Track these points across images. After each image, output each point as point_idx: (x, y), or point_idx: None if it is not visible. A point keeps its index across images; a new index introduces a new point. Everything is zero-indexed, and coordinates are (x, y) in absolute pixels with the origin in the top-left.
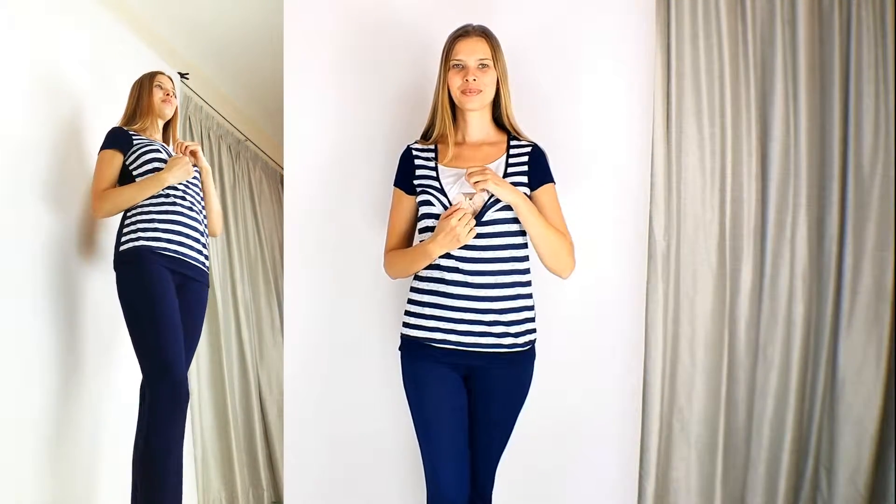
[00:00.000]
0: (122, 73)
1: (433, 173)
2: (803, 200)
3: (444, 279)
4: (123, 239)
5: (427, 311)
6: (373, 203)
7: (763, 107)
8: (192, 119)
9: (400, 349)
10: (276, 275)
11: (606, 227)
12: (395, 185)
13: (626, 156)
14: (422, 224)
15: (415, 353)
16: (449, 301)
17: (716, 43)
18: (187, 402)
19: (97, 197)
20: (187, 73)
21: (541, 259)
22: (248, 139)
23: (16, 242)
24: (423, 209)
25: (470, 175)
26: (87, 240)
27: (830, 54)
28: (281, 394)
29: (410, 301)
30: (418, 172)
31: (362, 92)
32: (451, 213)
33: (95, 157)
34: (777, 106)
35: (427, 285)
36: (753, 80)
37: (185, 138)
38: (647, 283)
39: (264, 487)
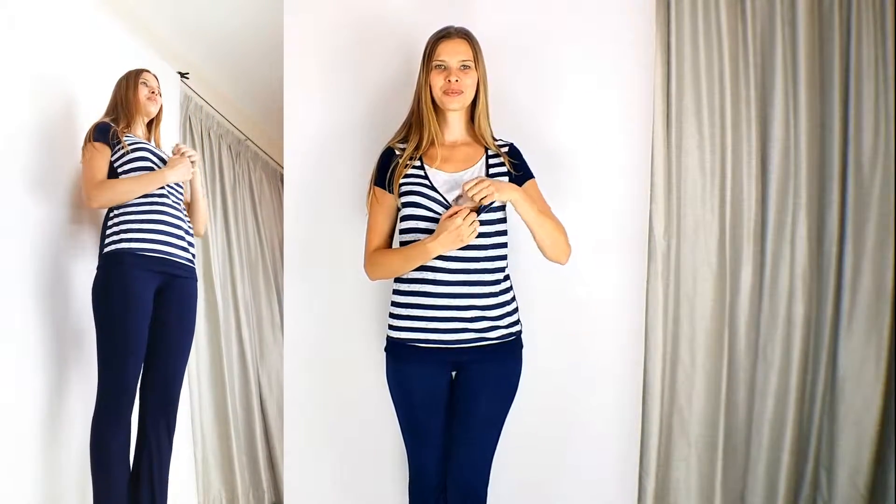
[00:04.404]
0: (121, 72)
1: (421, 172)
2: (803, 200)
3: (427, 279)
4: (107, 241)
5: (412, 311)
6: None
7: (763, 107)
8: (192, 119)
9: (385, 350)
10: (276, 275)
11: (606, 227)
12: (376, 184)
13: (627, 156)
14: (405, 225)
15: (399, 354)
16: (434, 300)
17: (716, 43)
18: (130, 410)
19: (94, 186)
20: (187, 73)
21: (541, 249)
22: (248, 139)
23: (12, 241)
24: (409, 210)
25: (469, 190)
26: (79, 235)
27: (830, 54)
28: (281, 394)
29: (395, 304)
30: (406, 171)
31: (362, 92)
32: (456, 214)
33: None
34: (777, 106)
35: (411, 286)
36: (753, 80)
37: (184, 138)
38: (647, 283)
39: (264, 488)
